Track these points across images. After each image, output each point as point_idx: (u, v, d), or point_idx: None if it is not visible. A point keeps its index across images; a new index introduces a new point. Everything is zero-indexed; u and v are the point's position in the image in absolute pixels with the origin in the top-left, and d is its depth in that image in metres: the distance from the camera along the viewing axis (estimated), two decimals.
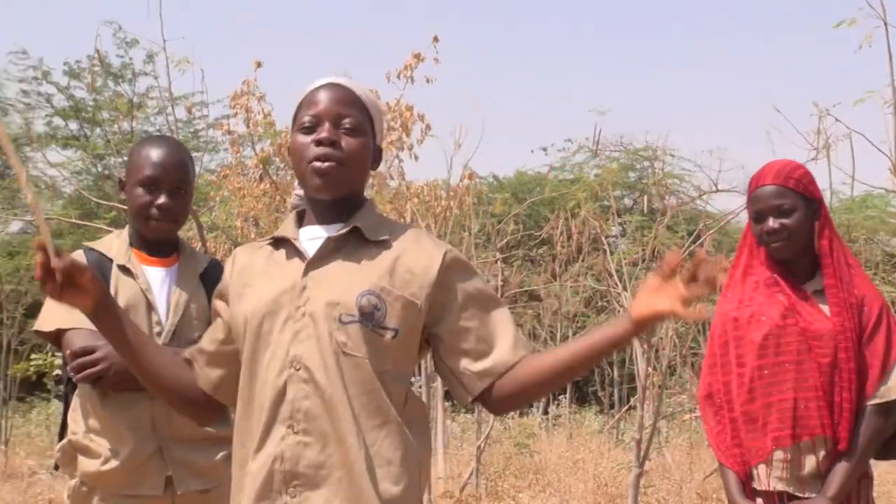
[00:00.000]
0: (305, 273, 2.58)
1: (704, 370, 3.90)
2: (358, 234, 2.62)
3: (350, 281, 2.55)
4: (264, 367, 2.55)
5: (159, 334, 3.46)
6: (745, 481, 3.73)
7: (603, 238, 9.57)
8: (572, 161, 28.15)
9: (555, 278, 15.89)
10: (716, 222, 8.92)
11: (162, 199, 3.49)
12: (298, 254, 2.63)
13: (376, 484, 2.46)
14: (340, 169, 2.61)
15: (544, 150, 31.41)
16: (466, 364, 2.60)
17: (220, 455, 3.47)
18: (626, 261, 9.94)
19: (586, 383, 21.17)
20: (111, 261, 3.54)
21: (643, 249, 11.32)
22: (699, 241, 9.75)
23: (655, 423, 8.43)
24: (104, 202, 10.18)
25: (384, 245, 2.61)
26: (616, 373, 17.77)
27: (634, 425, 8.73)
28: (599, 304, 17.23)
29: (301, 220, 2.74)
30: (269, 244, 2.73)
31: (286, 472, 2.48)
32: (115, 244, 3.61)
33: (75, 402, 3.52)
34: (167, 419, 3.42)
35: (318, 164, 2.60)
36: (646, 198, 14.75)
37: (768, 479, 3.66)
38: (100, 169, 27.58)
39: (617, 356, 17.83)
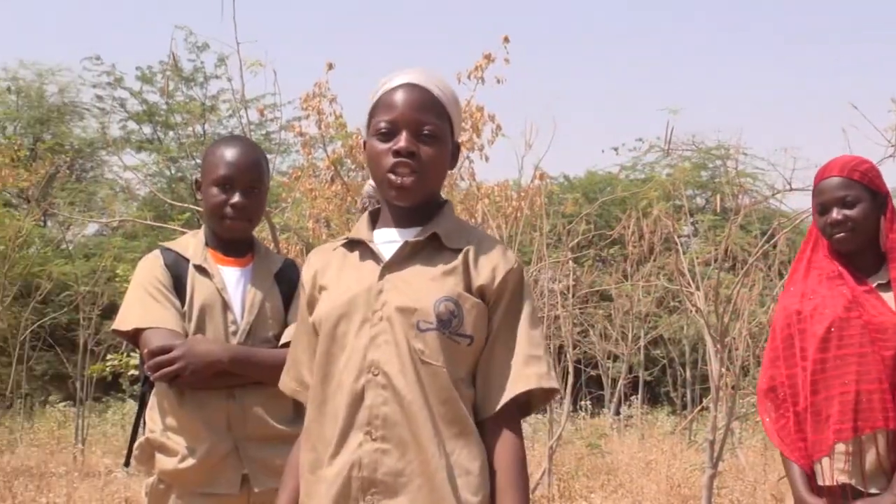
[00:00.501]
0: (381, 276, 2.54)
1: (766, 364, 3.86)
2: (435, 240, 2.59)
3: (427, 287, 2.52)
4: (339, 370, 2.53)
5: (234, 333, 3.48)
6: (810, 476, 3.69)
7: (675, 237, 9.49)
8: (643, 161, 28.05)
9: (626, 278, 15.81)
10: (790, 221, 8.82)
11: (236, 199, 3.51)
12: (374, 256, 2.60)
13: (457, 494, 2.44)
14: (418, 180, 2.56)
15: (615, 149, 31.25)
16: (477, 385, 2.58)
17: None
18: (699, 260, 9.87)
19: (658, 384, 21.06)
20: (187, 261, 3.56)
21: (716, 249, 11.24)
22: (772, 241, 9.66)
23: (729, 424, 8.36)
24: (178, 204, 10.32)
25: (460, 252, 2.57)
26: (689, 373, 17.64)
27: (707, 426, 8.67)
28: (671, 304, 17.15)
29: (374, 221, 2.71)
30: (343, 246, 2.70)
31: (364, 480, 2.44)
32: (192, 244, 3.63)
33: (152, 400, 3.55)
34: (243, 418, 3.45)
35: (394, 177, 2.55)
36: (718, 197, 14.63)
37: (832, 472, 3.62)
38: (173, 172, 27.91)
39: (690, 356, 17.73)
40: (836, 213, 3.69)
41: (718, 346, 8.11)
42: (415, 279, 2.54)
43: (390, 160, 2.56)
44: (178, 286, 3.53)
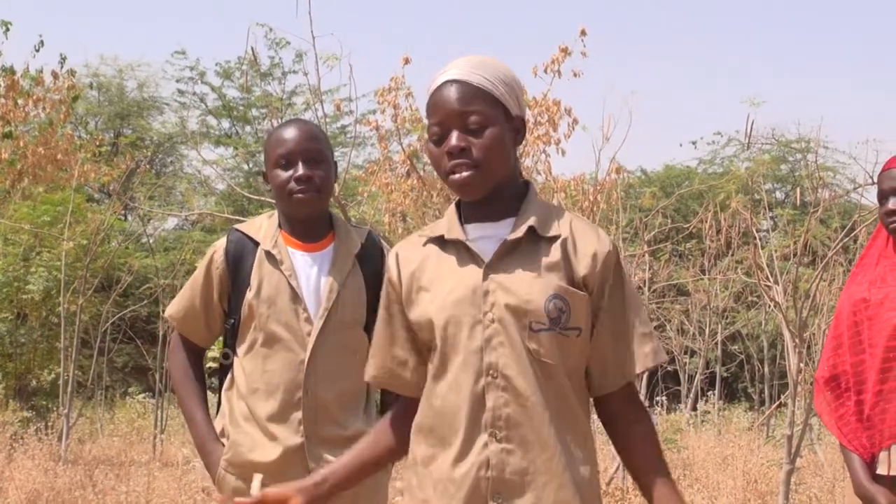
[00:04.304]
0: (485, 276, 2.54)
1: (828, 351, 3.82)
2: (532, 233, 2.57)
3: (533, 285, 2.52)
4: (455, 372, 2.54)
5: (307, 320, 3.47)
6: (870, 466, 3.64)
7: (754, 231, 9.39)
8: (722, 154, 27.81)
9: (704, 273, 15.69)
10: (871, 215, 8.69)
11: (300, 171, 3.46)
12: (472, 256, 2.58)
13: (579, 485, 2.50)
14: (477, 173, 2.54)
15: (693, 143, 31.10)
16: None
17: None
18: (778, 255, 9.76)
19: (735, 380, 20.86)
20: (256, 244, 3.55)
21: (795, 243, 11.11)
22: (852, 235, 9.53)
23: (807, 420, 8.27)
24: (255, 197, 10.41)
25: (557, 239, 2.57)
26: (766, 369, 17.45)
27: (785, 422, 8.57)
28: (749, 299, 16.98)
29: (460, 214, 2.68)
30: (433, 242, 2.66)
31: (493, 479, 2.48)
32: (265, 226, 3.60)
33: (226, 384, 3.61)
34: (313, 417, 3.47)
35: (454, 176, 2.55)
36: (798, 190, 14.47)
37: None
38: (251, 166, 28.17)
39: (768, 352, 17.55)
40: (892, 203, 3.67)
41: (797, 340, 8.02)
42: (520, 278, 2.54)
43: (446, 162, 2.56)
44: (238, 271, 3.55)
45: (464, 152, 2.54)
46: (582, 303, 2.54)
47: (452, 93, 2.56)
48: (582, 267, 2.55)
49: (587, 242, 2.58)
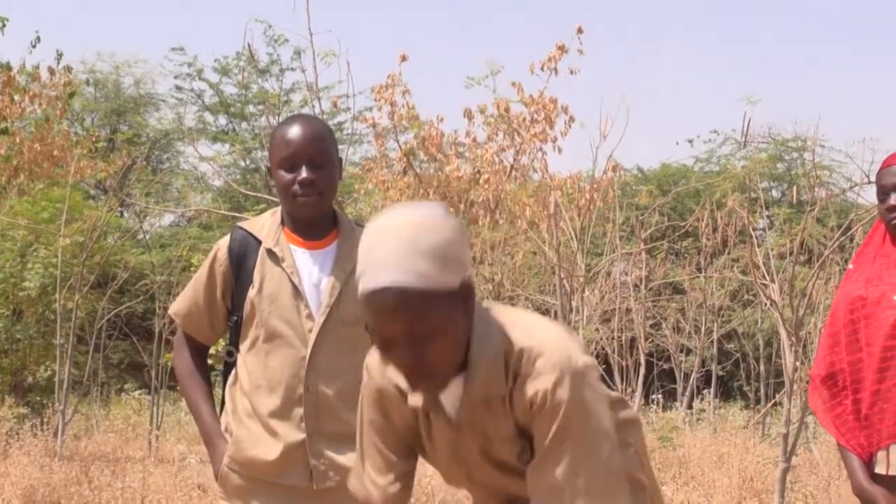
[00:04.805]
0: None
1: (824, 349, 3.78)
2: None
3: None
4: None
5: (309, 317, 3.46)
6: (867, 465, 3.63)
7: (750, 229, 9.41)
8: (718, 153, 27.83)
9: (700, 271, 15.71)
10: (867, 214, 8.70)
11: (303, 175, 3.43)
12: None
13: None
14: (440, 381, 2.49)
15: (690, 141, 31.08)
16: None
17: None
18: (774, 253, 9.77)
19: (731, 378, 20.88)
20: (259, 242, 3.55)
21: (791, 242, 11.12)
22: (849, 233, 9.54)
23: (803, 418, 8.27)
24: (252, 193, 10.41)
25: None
26: (762, 368, 17.46)
27: (781, 420, 8.58)
28: (745, 297, 16.99)
29: None
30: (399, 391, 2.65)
31: None
32: (268, 224, 3.59)
33: (230, 380, 3.61)
34: (315, 414, 3.46)
35: (413, 385, 2.52)
36: (794, 189, 14.49)
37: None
38: (247, 163, 28.16)
39: (764, 350, 17.56)
40: (893, 199, 3.66)
41: (793, 338, 8.03)
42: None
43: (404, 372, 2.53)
44: (241, 268, 3.55)
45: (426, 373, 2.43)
46: None
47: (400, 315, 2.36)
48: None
49: None
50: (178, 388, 4.00)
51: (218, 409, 3.67)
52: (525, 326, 2.48)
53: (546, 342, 2.43)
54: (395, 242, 2.32)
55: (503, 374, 2.44)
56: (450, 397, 2.51)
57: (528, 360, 2.42)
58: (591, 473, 2.38)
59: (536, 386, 2.39)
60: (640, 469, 2.67)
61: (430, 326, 2.34)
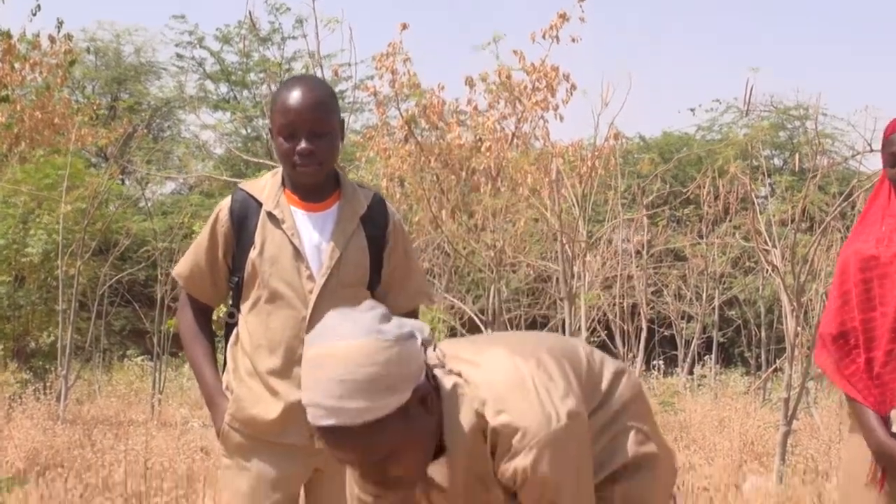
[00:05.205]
0: None
1: (834, 308, 3.71)
2: None
3: None
4: None
5: (310, 278, 3.48)
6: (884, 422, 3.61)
7: (752, 196, 9.41)
8: (721, 121, 27.80)
9: (701, 238, 15.72)
10: (869, 181, 8.70)
11: (302, 145, 3.41)
12: None
13: None
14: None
15: (692, 110, 31.09)
16: None
17: None
18: (776, 220, 9.78)
19: (732, 345, 20.93)
20: (260, 204, 3.55)
21: (793, 209, 11.14)
22: (850, 200, 9.55)
23: (804, 383, 8.31)
24: (253, 159, 10.40)
25: None
26: (763, 334, 17.49)
27: (781, 386, 8.61)
28: (747, 264, 17.00)
29: None
30: None
31: None
32: (269, 185, 3.59)
33: (231, 339, 3.63)
34: None
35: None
36: (797, 157, 14.48)
37: None
38: (248, 130, 28.12)
39: (765, 317, 17.59)
40: None
41: (795, 305, 8.05)
42: None
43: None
44: (242, 230, 3.55)
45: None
46: None
47: (349, 450, 2.35)
48: None
49: None
50: (181, 352, 4.02)
51: (220, 371, 3.70)
52: (496, 391, 2.41)
53: (521, 412, 2.37)
54: (330, 382, 2.29)
55: (485, 450, 2.42)
56: (437, 475, 2.51)
57: (504, 438, 2.38)
58: None
59: (516, 465, 2.36)
60: (645, 443, 2.64)
61: (384, 451, 2.32)
